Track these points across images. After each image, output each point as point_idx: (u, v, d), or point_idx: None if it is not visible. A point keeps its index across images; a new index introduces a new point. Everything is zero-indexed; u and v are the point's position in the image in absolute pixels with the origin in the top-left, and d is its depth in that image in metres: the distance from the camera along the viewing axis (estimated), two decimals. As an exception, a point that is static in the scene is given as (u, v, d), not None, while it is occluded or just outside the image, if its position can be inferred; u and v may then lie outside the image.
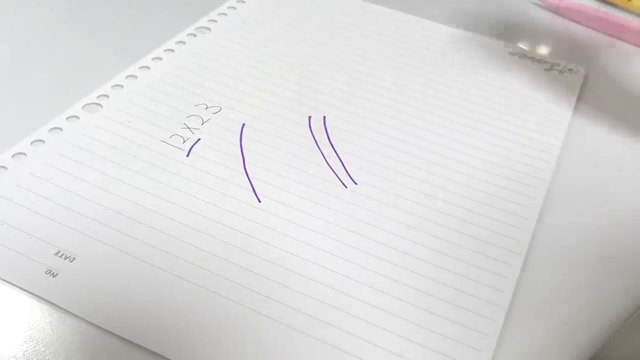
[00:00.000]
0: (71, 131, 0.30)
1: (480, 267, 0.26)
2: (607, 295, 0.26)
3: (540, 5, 0.45)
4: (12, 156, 0.29)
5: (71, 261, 0.25)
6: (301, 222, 0.27)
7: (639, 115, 0.36)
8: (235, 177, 0.29)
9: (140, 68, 0.35)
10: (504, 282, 0.26)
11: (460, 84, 0.36)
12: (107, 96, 0.32)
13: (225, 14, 0.40)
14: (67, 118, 0.31)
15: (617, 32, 0.43)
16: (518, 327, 0.24)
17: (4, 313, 0.23)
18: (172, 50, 0.36)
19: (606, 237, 0.28)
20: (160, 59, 0.36)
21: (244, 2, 0.42)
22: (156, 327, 0.23)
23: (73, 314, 0.23)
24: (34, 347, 0.22)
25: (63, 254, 0.25)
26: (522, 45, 0.41)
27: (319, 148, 0.31)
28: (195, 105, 0.33)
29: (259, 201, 0.28)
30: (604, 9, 0.44)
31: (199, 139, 0.31)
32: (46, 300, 0.23)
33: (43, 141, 0.29)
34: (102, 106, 0.32)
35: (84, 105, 0.32)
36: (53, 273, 0.24)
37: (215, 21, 0.39)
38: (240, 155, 0.30)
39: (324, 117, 0.33)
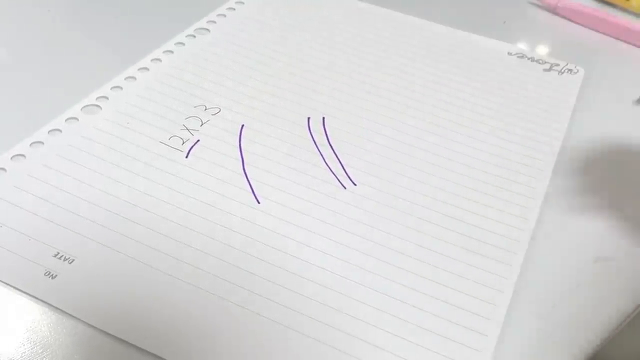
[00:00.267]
0: (70, 133, 0.30)
1: (479, 267, 0.26)
2: (606, 295, 0.26)
3: (538, 5, 0.45)
4: (11, 158, 0.28)
5: (70, 263, 0.25)
6: (300, 223, 0.27)
7: (637, 115, 0.36)
8: (234, 178, 0.29)
9: (139, 69, 0.35)
10: (503, 282, 0.26)
11: (459, 85, 0.36)
12: (106, 98, 0.32)
13: (224, 15, 0.40)
14: (66, 120, 0.31)
15: (616, 31, 0.43)
16: (518, 327, 0.24)
17: (2, 315, 0.23)
18: (171, 52, 0.36)
19: (606, 238, 0.28)
20: (160, 60, 0.36)
21: (243, 3, 0.42)
22: (155, 329, 0.23)
23: (71, 316, 0.23)
24: (31, 349, 0.22)
25: (62, 256, 0.25)
26: (521, 46, 0.41)
27: (318, 149, 0.31)
28: (194, 107, 0.33)
29: (258, 202, 0.28)
30: (602, 9, 0.44)
31: (198, 140, 0.31)
32: (45, 302, 0.23)
33: (42, 143, 0.29)
34: (101, 108, 0.32)
35: (83, 107, 0.32)
36: (52, 275, 0.24)
37: (215, 22, 0.39)
38: (240, 157, 0.30)
39: (323, 118, 0.33)
